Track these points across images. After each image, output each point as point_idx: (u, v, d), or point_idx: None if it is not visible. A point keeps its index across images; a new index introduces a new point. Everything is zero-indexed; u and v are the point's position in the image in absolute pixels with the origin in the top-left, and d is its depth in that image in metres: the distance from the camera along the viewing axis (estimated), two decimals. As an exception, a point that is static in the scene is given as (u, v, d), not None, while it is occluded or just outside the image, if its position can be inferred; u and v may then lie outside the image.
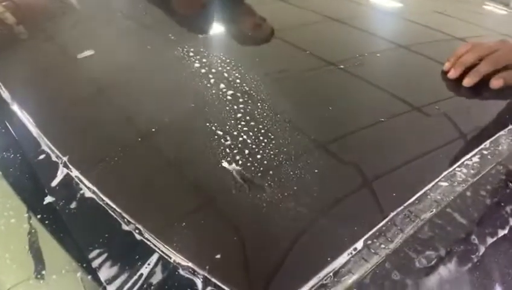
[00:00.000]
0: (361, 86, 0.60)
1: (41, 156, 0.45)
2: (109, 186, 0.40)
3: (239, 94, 0.53)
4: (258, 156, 0.43)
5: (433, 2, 1.05)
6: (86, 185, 0.40)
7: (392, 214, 0.38)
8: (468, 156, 0.45)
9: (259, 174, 0.41)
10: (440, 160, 0.45)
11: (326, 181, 0.41)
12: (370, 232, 0.36)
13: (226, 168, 0.41)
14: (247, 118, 0.49)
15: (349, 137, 0.48)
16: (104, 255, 0.34)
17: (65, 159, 0.43)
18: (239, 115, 0.49)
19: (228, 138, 0.45)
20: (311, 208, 0.38)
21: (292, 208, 0.38)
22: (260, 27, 0.79)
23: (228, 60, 0.60)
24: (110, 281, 0.33)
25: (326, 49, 0.69)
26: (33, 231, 0.38)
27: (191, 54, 0.62)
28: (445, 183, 0.41)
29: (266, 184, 0.40)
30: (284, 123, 0.48)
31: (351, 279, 0.33)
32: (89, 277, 0.34)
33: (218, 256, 0.33)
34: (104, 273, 0.33)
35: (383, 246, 0.35)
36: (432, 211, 0.38)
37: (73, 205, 0.39)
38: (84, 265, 0.34)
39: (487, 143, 0.48)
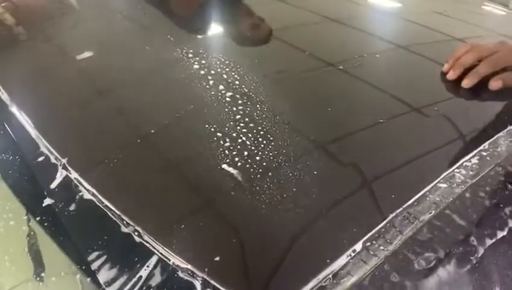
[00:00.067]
0: (360, 87, 0.60)
1: (40, 158, 0.45)
2: (108, 188, 0.40)
3: (238, 95, 0.53)
4: (257, 158, 0.43)
5: (433, 2, 1.05)
6: (85, 187, 0.40)
7: (391, 216, 0.38)
8: (467, 158, 0.45)
9: (258, 176, 0.41)
10: (439, 161, 0.45)
11: (325, 183, 0.41)
12: (369, 234, 0.36)
13: (225, 170, 0.41)
14: (246, 119, 0.49)
15: (348, 138, 0.48)
16: (103, 258, 0.34)
17: (64, 161, 0.43)
18: (238, 116, 0.49)
19: (227, 140, 0.45)
20: (310, 209, 0.38)
21: (291, 210, 0.38)
22: (258, 27, 0.79)
23: (227, 61, 0.60)
24: (109, 283, 0.33)
25: (325, 49, 0.69)
26: (32, 233, 0.38)
27: (190, 55, 0.62)
28: (444, 185, 0.42)
29: (265, 186, 0.40)
30: (282, 124, 0.48)
31: (350, 281, 0.33)
32: (88, 279, 0.34)
33: (217, 258, 0.33)
34: (103, 276, 0.33)
35: (382, 248, 0.35)
36: (430, 213, 0.38)
37: (72, 207, 0.39)
38: (84, 267, 0.34)
39: (486, 144, 0.48)
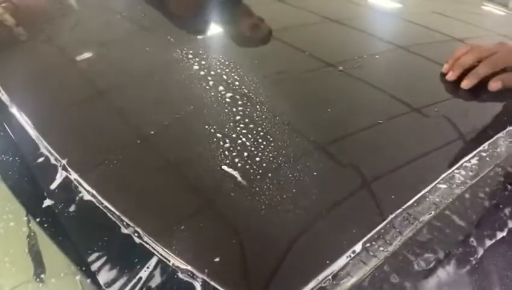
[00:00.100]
0: (360, 87, 0.60)
1: (40, 159, 0.45)
2: (108, 189, 0.40)
3: (237, 96, 0.53)
4: (257, 159, 0.43)
5: (432, 2, 1.05)
6: (84, 188, 0.40)
7: (390, 217, 0.38)
8: (466, 158, 0.45)
9: (258, 177, 0.41)
10: (439, 162, 0.45)
11: (325, 183, 0.41)
12: (369, 235, 0.36)
13: (225, 171, 0.41)
14: (246, 120, 0.49)
15: (347, 139, 0.49)
16: (103, 259, 0.34)
17: (64, 161, 0.43)
18: (237, 117, 0.49)
19: (227, 141, 0.45)
20: (309, 210, 0.38)
21: (291, 211, 0.38)
22: (258, 28, 0.79)
23: (226, 62, 0.60)
24: (109, 284, 0.33)
25: (325, 50, 0.69)
26: (32, 234, 0.38)
27: (189, 55, 0.62)
28: (443, 186, 0.42)
29: (265, 187, 0.40)
30: (282, 125, 0.48)
31: (349, 282, 0.33)
32: (88, 280, 0.34)
33: (217, 259, 0.34)
34: (103, 277, 0.33)
35: (381, 248, 0.35)
36: (430, 214, 0.38)
37: (72, 208, 0.39)
38: (83, 268, 0.34)
39: (486, 145, 0.48)
